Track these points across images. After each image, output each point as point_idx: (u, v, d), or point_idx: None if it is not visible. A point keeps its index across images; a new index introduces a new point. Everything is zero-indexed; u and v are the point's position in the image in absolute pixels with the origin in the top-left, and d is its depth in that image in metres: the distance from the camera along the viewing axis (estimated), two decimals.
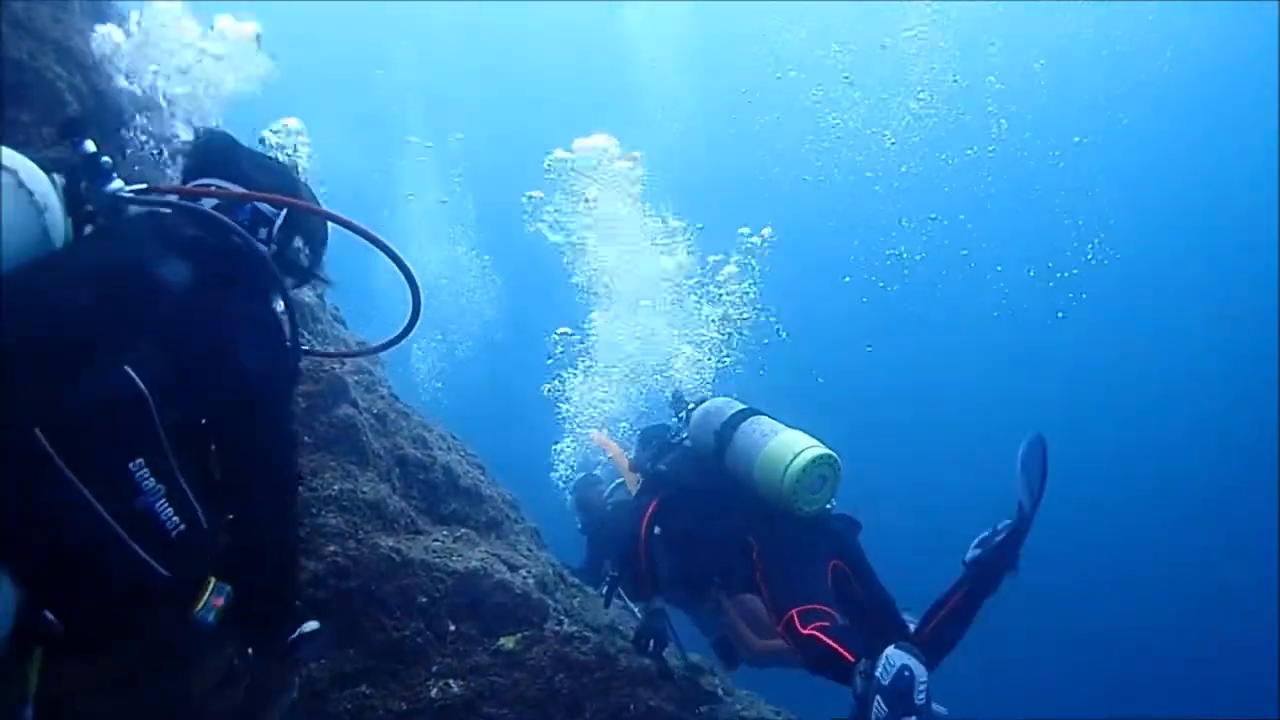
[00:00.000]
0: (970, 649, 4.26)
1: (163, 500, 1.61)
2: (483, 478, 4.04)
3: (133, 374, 1.61)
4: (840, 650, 3.09)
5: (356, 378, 3.41)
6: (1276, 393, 21.52)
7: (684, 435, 4.30)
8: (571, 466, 6.49)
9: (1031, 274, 22.29)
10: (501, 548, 3.57)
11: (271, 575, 2.01)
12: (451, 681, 2.89)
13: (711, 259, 6.62)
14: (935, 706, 2.92)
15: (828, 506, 3.71)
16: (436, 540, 3.25)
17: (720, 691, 3.93)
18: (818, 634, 3.20)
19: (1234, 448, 23.71)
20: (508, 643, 3.06)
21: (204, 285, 1.85)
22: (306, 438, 3.12)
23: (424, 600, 2.97)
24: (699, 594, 4.24)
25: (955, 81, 16.36)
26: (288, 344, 2.03)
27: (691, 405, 4.27)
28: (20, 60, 3.21)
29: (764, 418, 3.85)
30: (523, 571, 3.43)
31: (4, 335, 1.51)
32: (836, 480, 3.58)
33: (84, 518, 1.50)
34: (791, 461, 3.46)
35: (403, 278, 2.34)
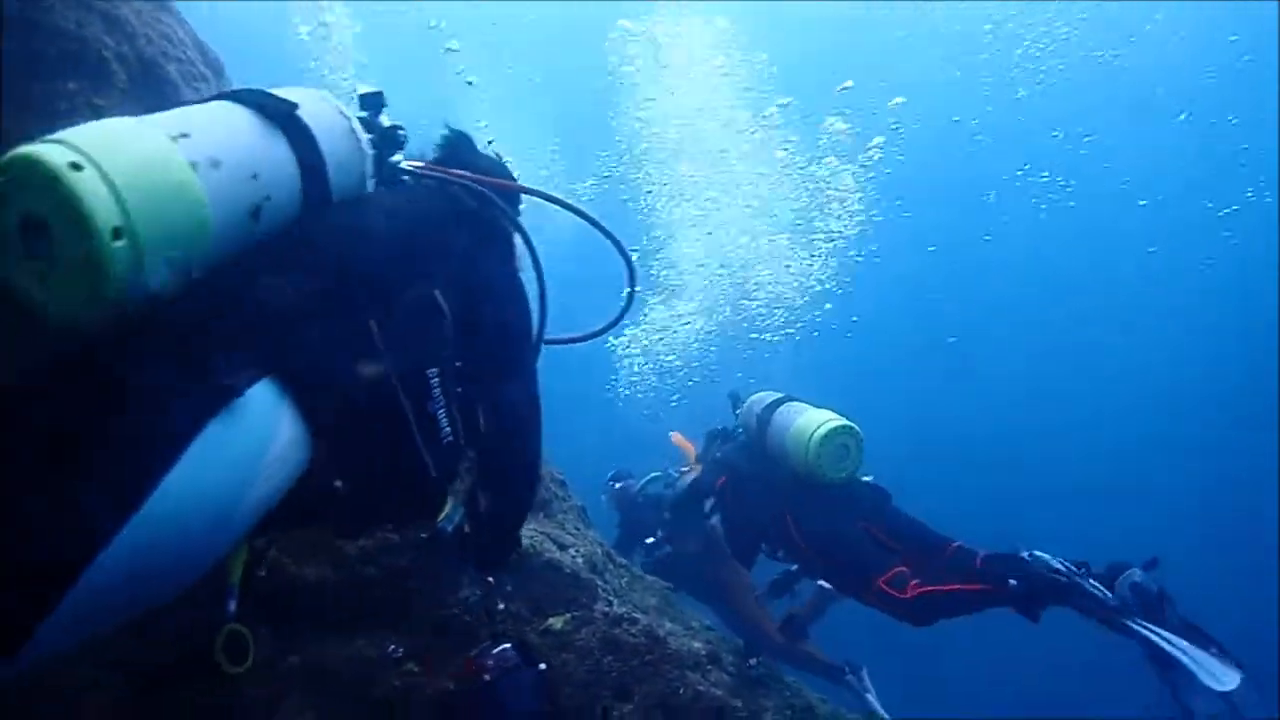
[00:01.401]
0: (969, 649, 4.43)
1: (443, 410, 1.89)
2: None
3: (439, 296, 1.93)
4: (961, 588, 3.54)
5: None
6: (1277, 392, 21.39)
7: (739, 429, 4.96)
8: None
9: None
10: (550, 526, 3.52)
11: (507, 512, 2.29)
12: None
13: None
14: None
15: (865, 478, 4.29)
16: None
17: (769, 678, 3.87)
18: (926, 588, 3.60)
19: (1233, 446, 23.66)
20: (556, 623, 3.00)
21: (478, 249, 2.15)
22: None
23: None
24: (747, 562, 4.74)
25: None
26: (534, 310, 2.32)
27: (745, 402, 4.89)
28: (68, 29, 3.18)
29: (797, 401, 4.46)
30: (571, 550, 3.37)
31: (343, 246, 1.79)
32: (859, 449, 4.11)
33: (391, 407, 1.76)
34: (814, 433, 4.03)
35: (621, 259, 2.63)
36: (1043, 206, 23.72)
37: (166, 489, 1.36)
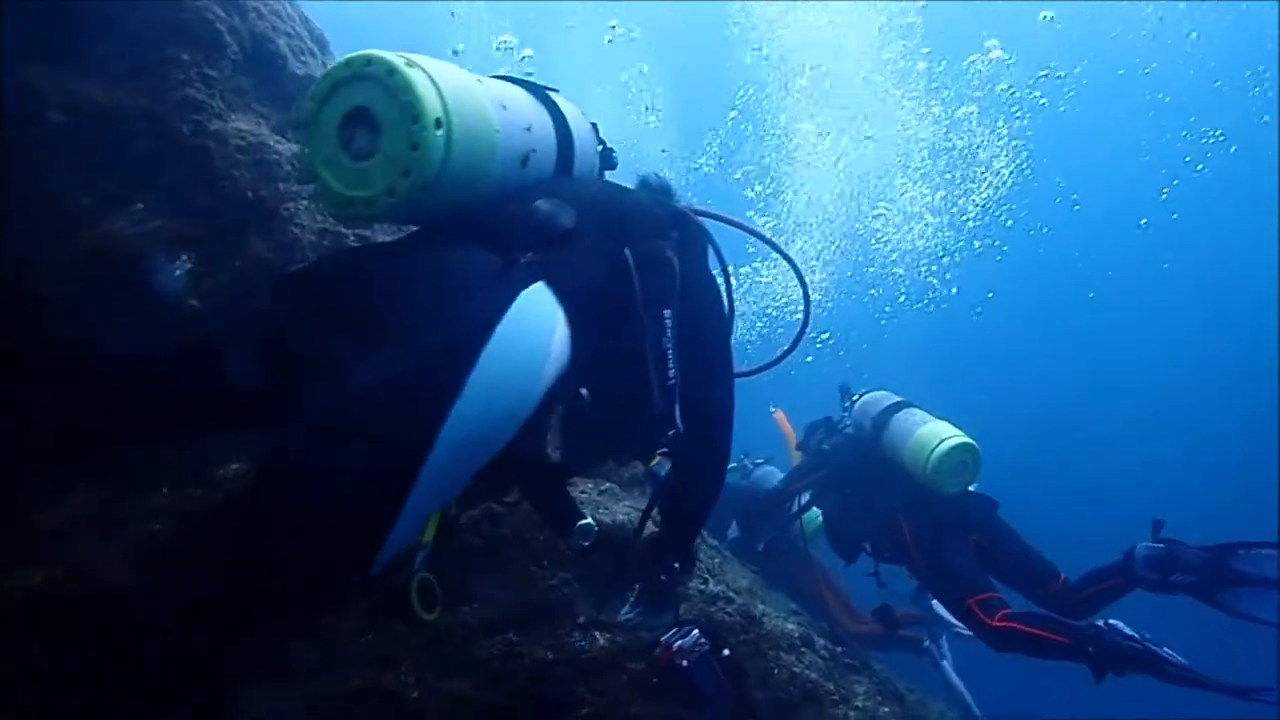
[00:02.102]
0: (966, 649, 4.45)
1: (671, 351, 1.99)
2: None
3: (668, 248, 2.05)
4: (1045, 635, 3.64)
5: None
6: (1277, 391, 20.76)
7: (847, 423, 4.97)
8: None
9: None
10: (645, 504, 3.50)
11: (696, 499, 2.35)
12: (597, 634, 2.84)
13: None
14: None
15: (971, 487, 4.36)
16: (583, 492, 3.20)
17: (858, 664, 3.81)
18: (1013, 625, 3.72)
19: (1233, 443, 22.94)
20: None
21: (685, 245, 2.20)
22: None
23: (571, 552, 2.92)
24: (849, 558, 4.79)
25: None
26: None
27: (856, 396, 4.95)
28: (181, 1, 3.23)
29: (917, 409, 4.51)
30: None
31: (597, 194, 2.04)
32: (976, 466, 4.22)
33: (635, 330, 1.93)
34: (936, 447, 4.12)
35: (796, 279, 2.71)
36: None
37: (483, 365, 1.47)
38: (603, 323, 1.82)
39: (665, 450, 2.13)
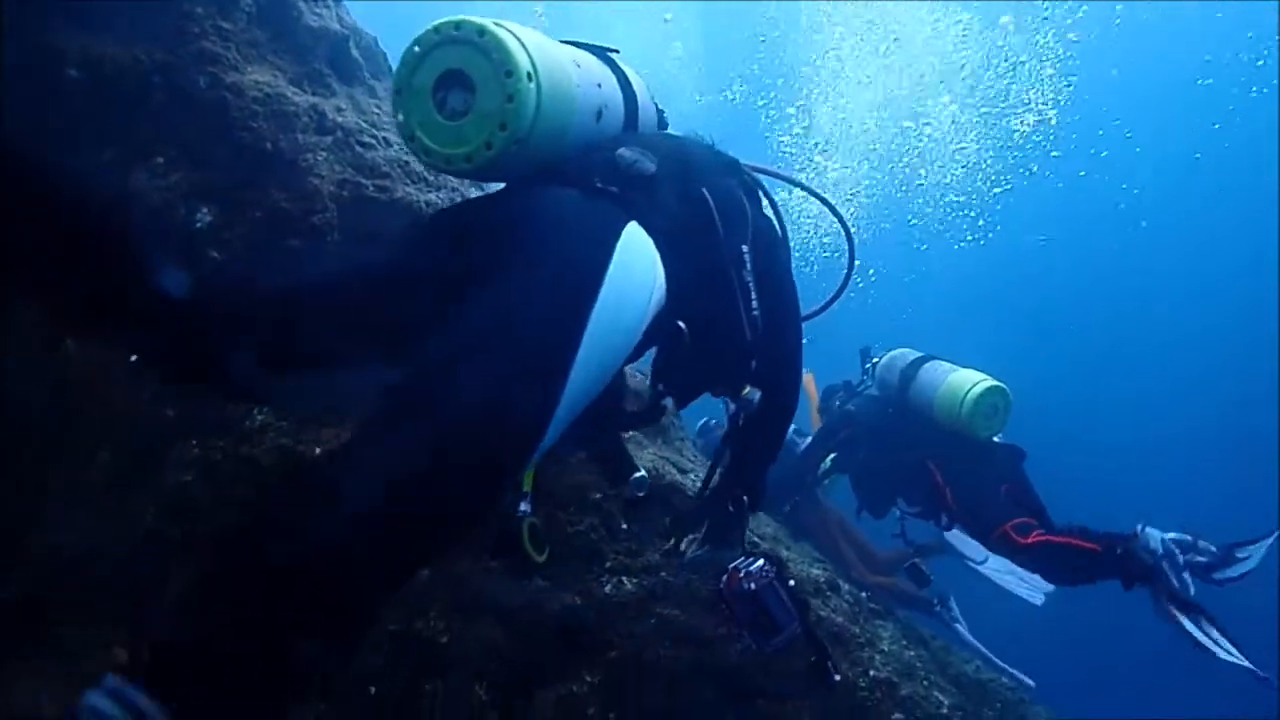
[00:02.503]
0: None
1: (753, 282, 2.11)
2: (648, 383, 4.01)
3: (738, 189, 2.21)
4: (1079, 543, 3.75)
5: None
6: (1277, 391, 20.71)
7: (868, 384, 5.11)
8: None
9: None
10: (670, 452, 3.51)
11: (774, 424, 2.44)
12: (624, 579, 2.86)
13: None
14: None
15: (995, 439, 4.48)
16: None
17: (883, 610, 3.83)
18: (1047, 538, 3.85)
19: (1232, 442, 22.76)
20: (681, 543, 3.00)
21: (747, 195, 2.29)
22: None
23: (598, 496, 2.93)
24: (879, 513, 4.99)
25: None
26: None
27: (876, 359, 5.05)
28: None
29: (943, 360, 4.62)
30: (691, 475, 3.36)
31: (667, 144, 2.13)
32: (1007, 410, 4.32)
33: (721, 266, 2.05)
34: (970, 390, 4.22)
35: (842, 231, 2.79)
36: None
37: (604, 295, 1.58)
38: (691, 258, 1.92)
39: (751, 383, 2.26)
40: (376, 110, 3.36)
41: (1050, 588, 4.58)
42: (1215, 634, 3.50)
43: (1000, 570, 4.83)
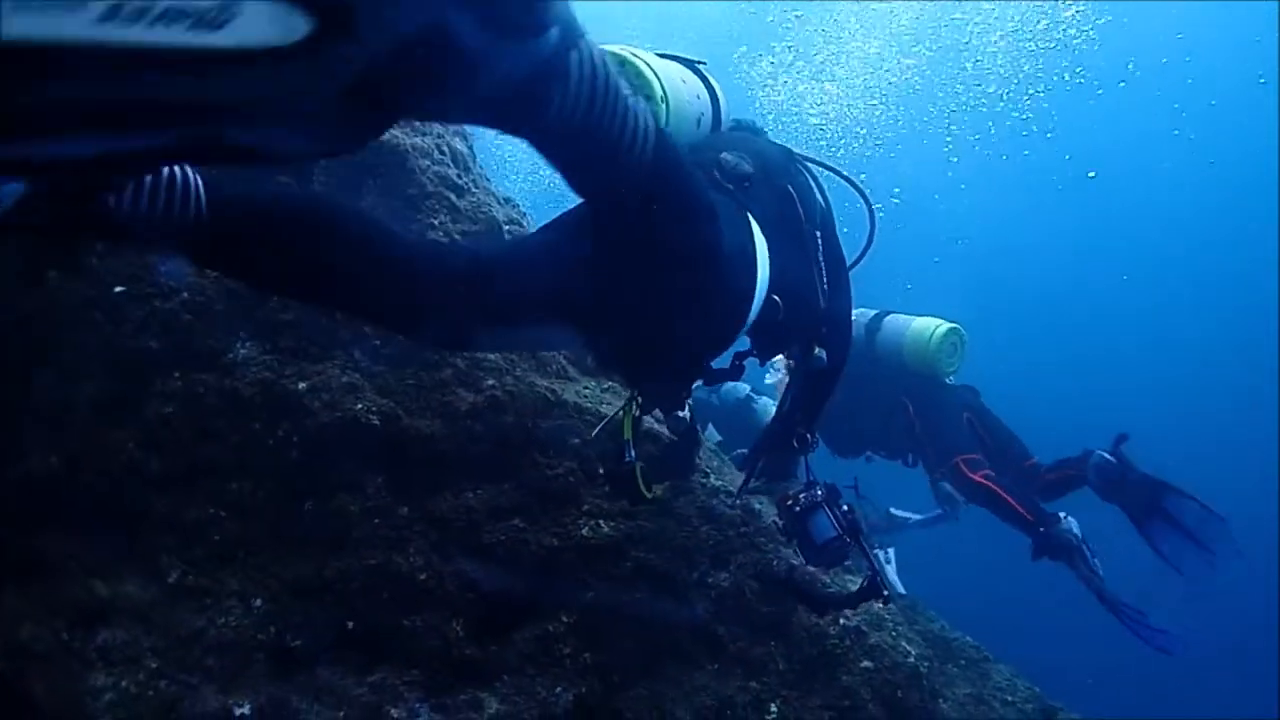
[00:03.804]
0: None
1: (822, 259, 2.50)
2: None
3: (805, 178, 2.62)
4: (1014, 505, 4.33)
5: (509, 228, 3.39)
6: (1277, 391, 20.74)
7: None
8: None
9: None
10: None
11: (831, 377, 2.75)
12: (601, 522, 2.91)
13: None
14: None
15: (950, 379, 5.08)
16: (586, 388, 3.25)
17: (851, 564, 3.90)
18: (988, 482, 4.50)
19: (1232, 441, 23.19)
20: (657, 490, 3.04)
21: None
22: None
23: (576, 442, 2.98)
24: (848, 454, 5.42)
25: None
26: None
27: None
28: None
29: (899, 313, 5.14)
30: (663, 425, 3.40)
31: (750, 145, 2.51)
32: (964, 348, 4.99)
33: (804, 247, 2.44)
34: (934, 331, 4.83)
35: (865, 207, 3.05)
36: None
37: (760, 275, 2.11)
38: (783, 243, 2.29)
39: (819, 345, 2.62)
40: None
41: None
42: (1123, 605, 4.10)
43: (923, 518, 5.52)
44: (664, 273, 1.92)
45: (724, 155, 2.31)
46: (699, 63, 2.56)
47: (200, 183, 1.53)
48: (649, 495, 2.58)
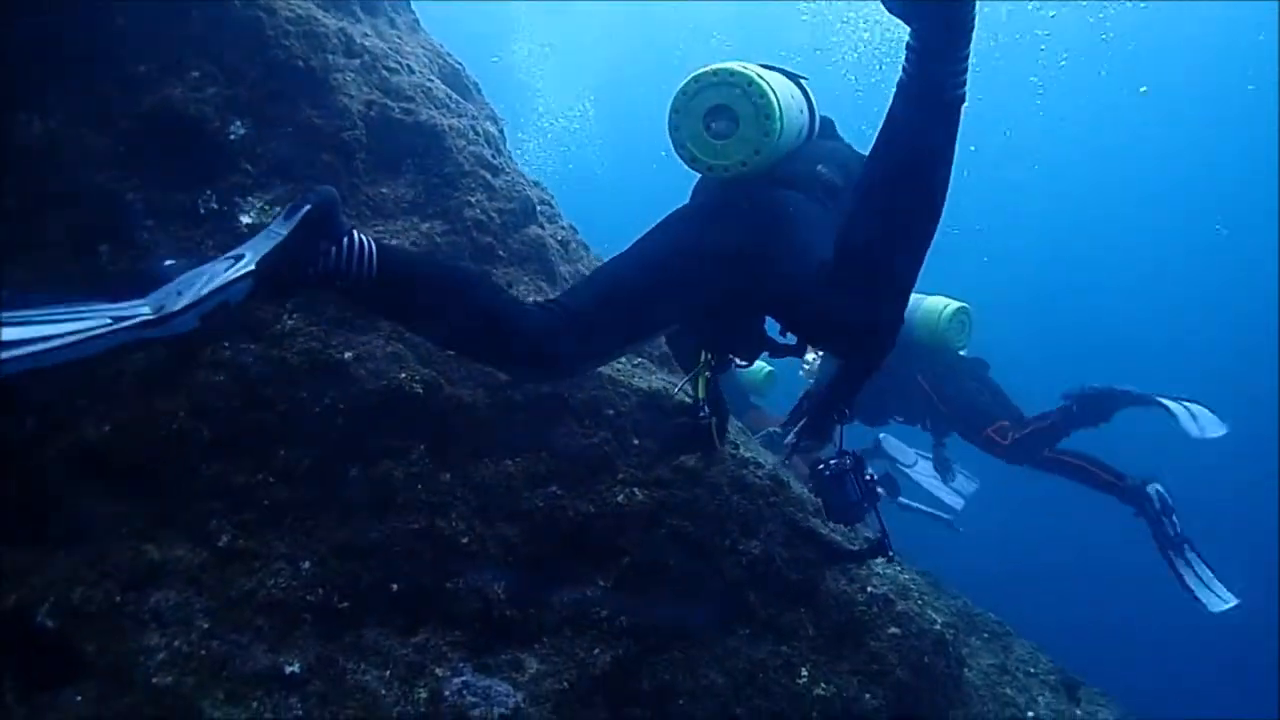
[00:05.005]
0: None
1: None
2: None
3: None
4: (1039, 427, 5.13)
5: (540, 207, 3.47)
6: (1277, 391, 20.76)
7: None
8: None
9: None
10: (676, 378, 3.63)
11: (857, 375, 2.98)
12: (636, 490, 2.97)
13: None
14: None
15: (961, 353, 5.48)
16: (618, 362, 3.32)
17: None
18: (1019, 435, 5.19)
19: (1232, 441, 23.17)
20: (688, 460, 3.12)
21: None
22: (501, 252, 3.22)
23: (610, 412, 3.05)
24: (874, 422, 5.88)
25: None
26: None
27: None
28: None
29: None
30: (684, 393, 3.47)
31: (838, 156, 2.84)
32: (971, 326, 5.39)
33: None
34: (944, 310, 5.22)
35: None
36: None
37: None
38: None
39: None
40: (398, 39, 3.45)
41: (969, 493, 6.01)
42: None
43: (926, 475, 5.91)
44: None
45: (819, 168, 2.64)
46: (802, 77, 2.84)
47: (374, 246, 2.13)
48: (723, 448, 3.03)
